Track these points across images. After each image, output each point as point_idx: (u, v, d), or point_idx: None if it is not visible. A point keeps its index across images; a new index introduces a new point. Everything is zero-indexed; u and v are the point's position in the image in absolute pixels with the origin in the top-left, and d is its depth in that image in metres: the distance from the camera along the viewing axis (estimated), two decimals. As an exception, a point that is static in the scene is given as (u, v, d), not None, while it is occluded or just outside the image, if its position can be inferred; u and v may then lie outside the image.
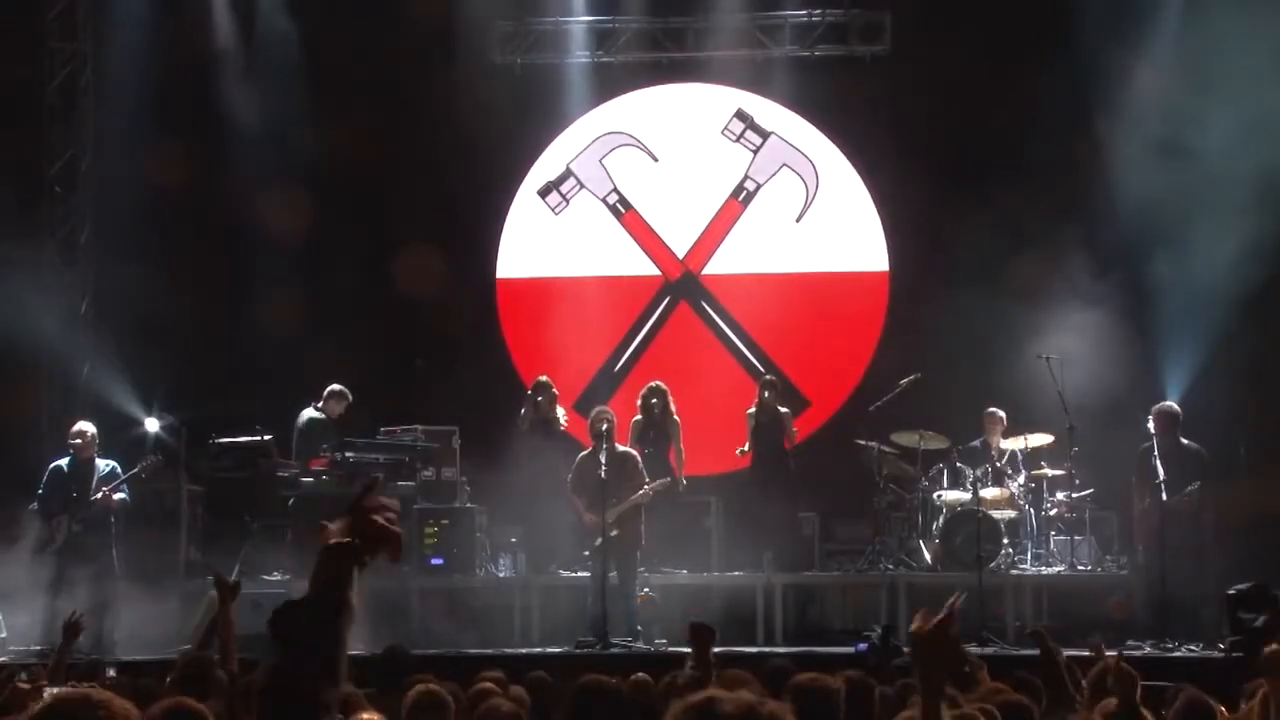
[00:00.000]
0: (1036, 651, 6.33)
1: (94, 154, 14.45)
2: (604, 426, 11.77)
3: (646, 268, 15.17)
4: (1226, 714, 5.46)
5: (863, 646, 10.47)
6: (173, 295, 14.06)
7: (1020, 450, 12.76)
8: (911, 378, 12.93)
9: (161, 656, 10.15)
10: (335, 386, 13.00)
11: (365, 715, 4.36)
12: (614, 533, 11.50)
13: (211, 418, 13.05)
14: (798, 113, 15.08)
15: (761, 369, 14.24)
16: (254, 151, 14.37)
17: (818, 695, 4.44)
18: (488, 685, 5.91)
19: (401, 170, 14.52)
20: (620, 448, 11.97)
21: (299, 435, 12.99)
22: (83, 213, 14.41)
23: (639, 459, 12.01)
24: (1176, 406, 11.83)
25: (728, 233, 15.09)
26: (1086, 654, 6.77)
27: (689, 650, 6.00)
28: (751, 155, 15.14)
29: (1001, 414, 12.91)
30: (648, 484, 11.77)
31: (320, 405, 13.02)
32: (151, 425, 13.55)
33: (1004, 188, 13.10)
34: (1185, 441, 11.65)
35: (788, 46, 14.98)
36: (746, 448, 12.93)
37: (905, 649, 9.53)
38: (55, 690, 5.46)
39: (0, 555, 11.48)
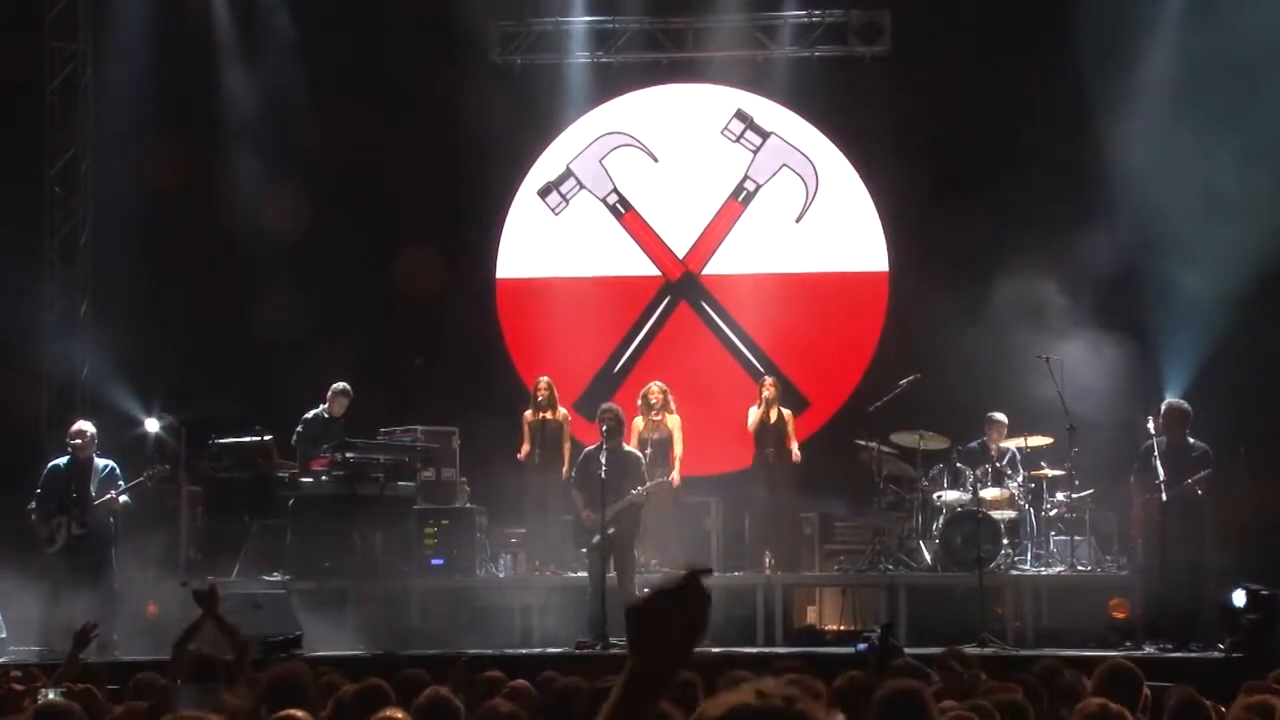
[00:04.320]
0: (1035, 651, 6.33)
1: (94, 154, 14.44)
2: (604, 427, 11.79)
3: (646, 268, 15.17)
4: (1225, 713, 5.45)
5: (863, 646, 10.46)
6: (173, 295, 14.07)
7: (1020, 450, 12.75)
8: (911, 378, 12.92)
9: (161, 656, 10.15)
10: (337, 385, 12.95)
11: (389, 712, 4.37)
12: (611, 530, 11.52)
13: (211, 418, 13.05)
14: (798, 113, 15.07)
15: (761, 369, 14.24)
16: (254, 152, 14.40)
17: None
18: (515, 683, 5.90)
19: (401, 170, 14.50)
20: (626, 447, 12.01)
21: (299, 436, 12.94)
22: (83, 213, 14.41)
23: (642, 459, 12.03)
24: (1186, 404, 11.77)
25: (728, 233, 15.08)
26: (1086, 654, 6.76)
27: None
28: (751, 155, 15.13)
29: (1004, 420, 12.84)
30: (642, 485, 11.77)
31: (325, 405, 12.99)
32: (151, 425, 13.56)
33: (1004, 188, 13.09)
34: (1192, 440, 11.62)
35: (787, 47, 14.97)
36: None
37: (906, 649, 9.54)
38: (53, 694, 5.46)
39: (0, 555, 11.48)
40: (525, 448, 12.93)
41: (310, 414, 12.89)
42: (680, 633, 2.08)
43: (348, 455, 12.45)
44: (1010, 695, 5.14)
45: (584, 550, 11.86)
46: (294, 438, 12.89)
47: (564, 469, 12.77)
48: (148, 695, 5.62)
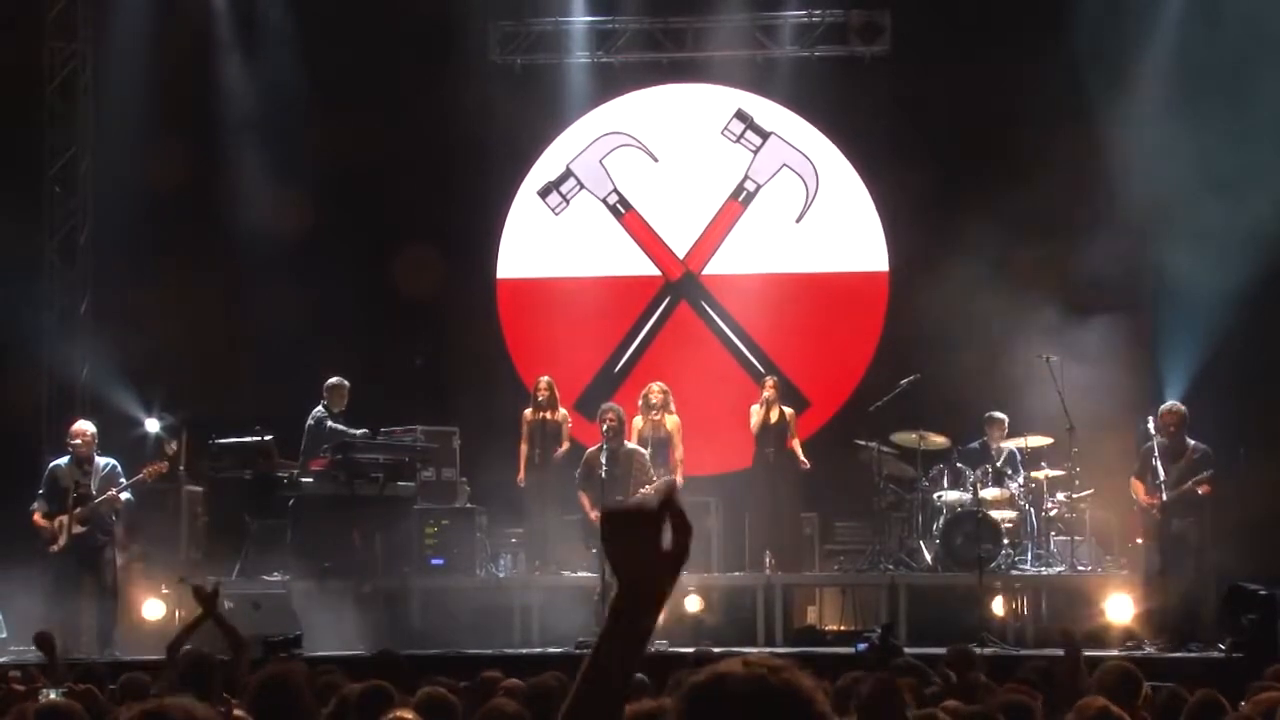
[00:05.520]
0: (1035, 651, 6.33)
1: (94, 154, 14.43)
2: (604, 427, 11.81)
3: (646, 268, 15.17)
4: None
5: (863, 646, 10.47)
6: (173, 295, 14.06)
7: (1020, 450, 12.75)
8: (911, 378, 12.93)
9: (161, 656, 10.15)
10: (331, 380, 12.92)
11: (400, 713, 4.37)
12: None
13: (211, 418, 13.05)
14: (798, 113, 15.07)
15: (761, 369, 14.24)
16: (254, 151, 14.40)
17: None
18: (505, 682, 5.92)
19: (401, 170, 14.50)
20: (628, 445, 12.04)
21: (310, 434, 12.89)
22: (83, 213, 14.40)
23: (645, 456, 12.06)
24: (1182, 406, 11.78)
25: (728, 233, 15.08)
26: (1086, 654, 6.76)
27: (689, 652, 6.00)
28: (751, 155, 15.12)
29: (1004, 418, 12.88)
30: (647, 485, 11.81)
31: (325, 403, 12.97)
32: (151, 425, 13.55)
33: (1004, 187, 13.08)
34: (1192, 442, 11.62)
35: (788, 46, 14.97)
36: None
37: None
38: (54, 694, 5.47)
39: (0, 555, 11.48)
40: (524, 447, 12.92)
41: (314, 414, 12.88)
42: (656, 547, 2.03)
43: (348, 455, 12.45)
44: (1018, 696, 5.15)
45: (594, 550, 11.90)
46: (304, 441, 12.84)
47: (560, 451, 12.79)
48: (136, 694, 5.65)
